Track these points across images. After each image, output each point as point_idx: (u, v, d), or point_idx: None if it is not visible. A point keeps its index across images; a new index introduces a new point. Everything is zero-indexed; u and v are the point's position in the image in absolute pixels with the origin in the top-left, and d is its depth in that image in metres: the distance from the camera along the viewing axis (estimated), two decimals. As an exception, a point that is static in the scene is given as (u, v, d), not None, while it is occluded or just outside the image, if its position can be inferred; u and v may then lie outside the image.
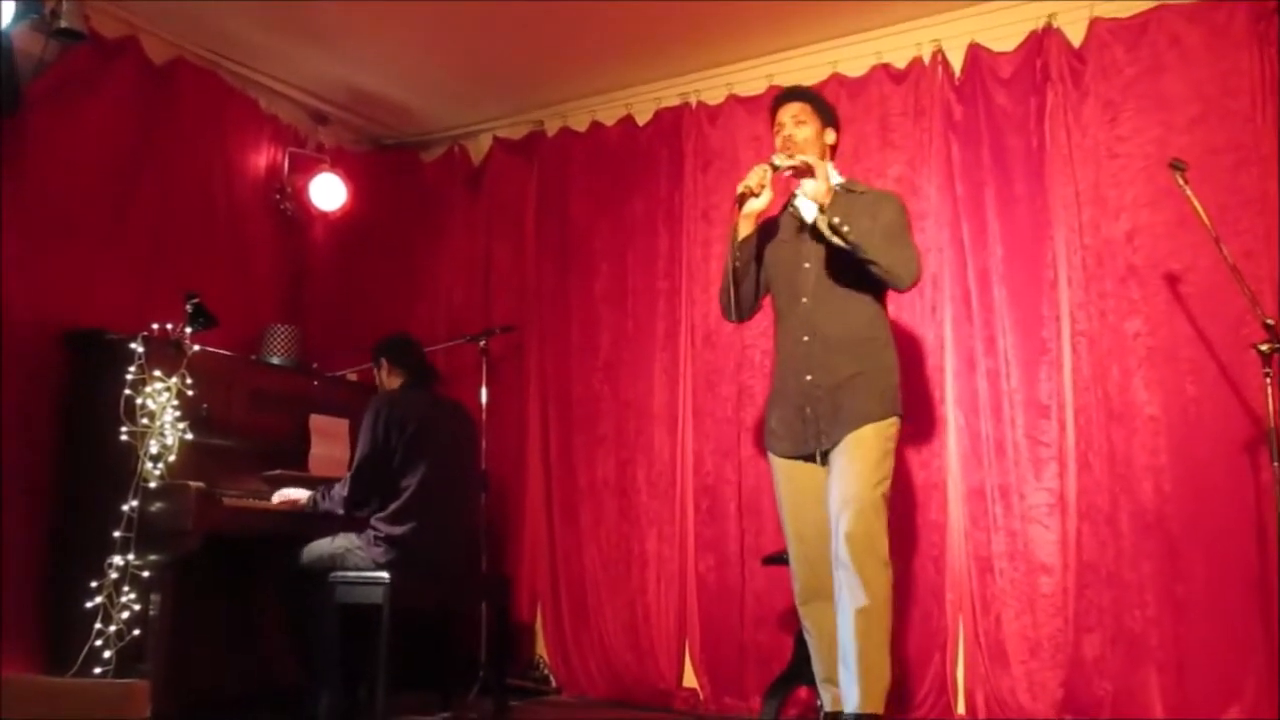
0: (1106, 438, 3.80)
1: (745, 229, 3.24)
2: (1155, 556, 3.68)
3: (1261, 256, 3.60)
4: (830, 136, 3.36)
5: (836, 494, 3.05)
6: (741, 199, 3.17)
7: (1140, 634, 3.67)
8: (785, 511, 3.24)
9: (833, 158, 3.37)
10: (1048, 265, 4.00)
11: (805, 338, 3.21)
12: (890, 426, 3.14)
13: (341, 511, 3.88)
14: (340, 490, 3.85)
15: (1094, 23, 4.00)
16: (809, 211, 3.24)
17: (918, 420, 4.00)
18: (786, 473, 3.24)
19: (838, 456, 3.10)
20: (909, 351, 3.98)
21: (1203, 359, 3.69)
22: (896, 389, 3.20)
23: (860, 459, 3.06)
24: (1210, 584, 3.59)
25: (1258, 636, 3.48)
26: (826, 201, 3.06)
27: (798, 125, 3.29)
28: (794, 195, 3.36)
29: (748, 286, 3.31)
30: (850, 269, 3.13)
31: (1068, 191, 3.96)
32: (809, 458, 3.18)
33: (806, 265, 3.23)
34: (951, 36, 4.28)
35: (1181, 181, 3.33)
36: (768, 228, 3.34)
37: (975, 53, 4.22)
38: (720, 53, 4.70)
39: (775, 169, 3.18)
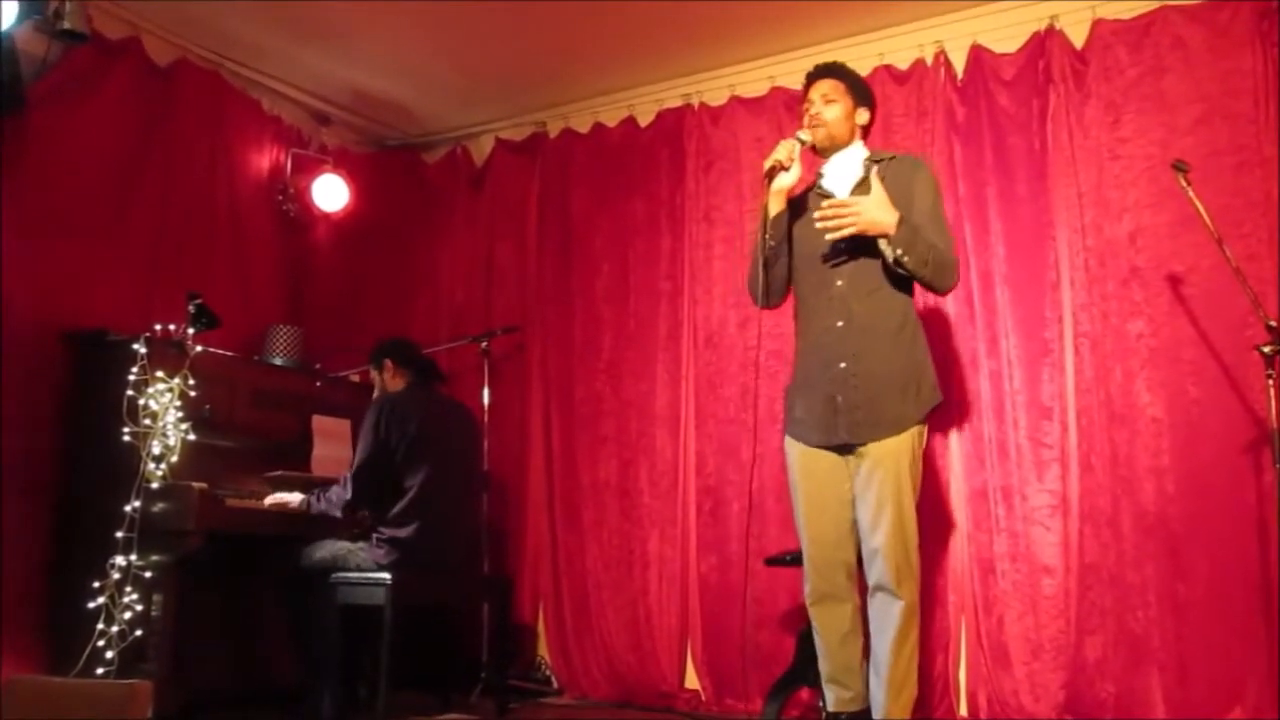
0: (1109, 439, 3.80)
1: (776, 206, 3.13)
2: (1157, 558, 3.68)
3: (1264, 258, 3.59)
4: (863, 116, 3.24)
5: (871, 511, 3.02)
6: (771, 173, 3.08)
7: (1142, 635, 3.66)
8: (802, 509, 3.12)
9: (865, 138, 3.28)
10: (1050, 266, 4.00)
11: (839, 323, 3.09)
12: (922, 428, 3.11)
13: (339, 514, 3.86)
14: (341, 492, 3.84)
15: (1096, 24, 4.00)
16: (842, 192, 3.16)
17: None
18: (808, 464, 3.11)
19: (870, 469, 3.03)
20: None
21: (1205, 361, 3.69)
22: (934, 380, 3.14)
23: (895, 476, 3.02)
24: (1212, 585, 3.58)
25: (1260, 638, 3.47)
26: (892, 233, 2.96)
27: (827, 104, 3.19)
28: (820, 175, 3.26)
29: (781, 268, 3.17)
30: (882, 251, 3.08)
31: (1070, 193, 3.96)
32: (837, 448, 3.08)
33: (841, 246, 3.10)
34: (954, 38, 4.28)
35: (1184, 183, 3.32)
36: (793, 207, 3.22)
37: (977, 54, 4.22)
38: (722, 54, 4.70)
39: (803, 144, 3.13)
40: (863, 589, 3.11)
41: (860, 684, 3.09)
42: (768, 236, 3.10)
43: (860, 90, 3.27)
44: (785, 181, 3.11)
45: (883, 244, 3.00)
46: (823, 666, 3.13)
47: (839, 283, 3.11)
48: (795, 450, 3.16)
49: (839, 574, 3.07)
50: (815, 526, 3.09)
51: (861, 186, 3.16)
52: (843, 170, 3.21)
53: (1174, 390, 3.74)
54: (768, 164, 3.08)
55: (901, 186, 3.09)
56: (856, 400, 3.04)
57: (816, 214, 3.02)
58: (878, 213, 2.96)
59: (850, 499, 3.09)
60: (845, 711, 3.09)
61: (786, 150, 3.09)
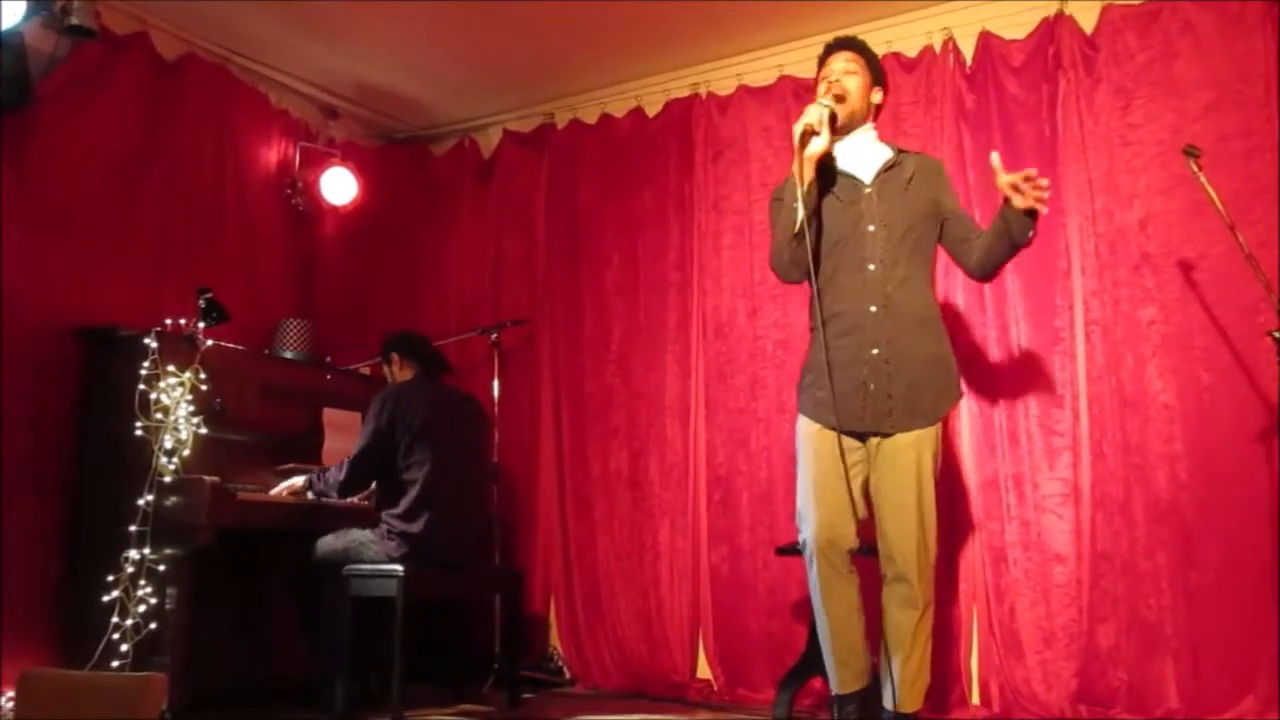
0: (1120, 426, 3.79)
1: (810, 173, 3.01)
2: (1169, 545, 3.67)
3: (1275, 244, 3.56)
4: (877, 95, 3.23)
5: (892, 502, 3.02)
6: (804, 138, 2.98)
7: (1155, 623, 3.65)
8: (811, 490, 3.04)
9: (876, 118, 3.27)
10: (1061, 253, 3.98)
11: (873, 307, 3.03)
12: (942, 425, 3.12)
13: (335, 496, 3.91)
14: (336, 475, 3.87)
15: (1106, 9, 3.98)
16: (867, 174, 3.14)
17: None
18: (823, 446, 3.04)
19: (894, 459, 3.03)
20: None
21: (1217, 347, 3.67)
22: (958, 377, 3.16)
23: (918, 468, 3.02)
24: (1225, 572, 3.57)
25: (1273, 625, 3.46)
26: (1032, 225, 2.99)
27: (847, 74, 3.17)
28: (833, 157, 3.14)
29: (811, 241, 3.03)
30: (913, 239, 3.07)
31: (1080, 179, 3.95)
32: (858, 434, 3.05)
33: (871, 229, 3.07)
34: (963, 25, 4.26)
35: (1195, 168, 3.31)
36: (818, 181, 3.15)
37: (987, 40, 4.20)
38: (730, 43, 4.69)
39: (829, 109, 3.04)
40: (874, 578, 3.11)
41: (864, 662, 3.08)
42: (805, 208, 2.98)
43: (876, 68, 3.27)
44: (818, 147, 3.00)
45: (1024, 226, 2.99)
46: (827, 648, 3.09)
47: (871, 266, 3.07)
48: (811, 430, 3.09)
49: (843, 557, 3.03)
50: (824, 508, 3.02)
51: (890, 171, 3.14)
52: (860, 151, 3.18)
53: (1185, 377, 3.72)
54: (799, 128, 2.98)
55: (930, 184, 3.14)
56: (889, 389, 3.02)
57: (1031, 194, 2.93)
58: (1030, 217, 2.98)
59: (861, 486, 3.07)
60: (852, 691, 3.08)
61: (816, 114, 3.00)
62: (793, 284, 3.24)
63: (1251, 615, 3.51)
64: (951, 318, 4.10)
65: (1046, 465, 3.92)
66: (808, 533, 3.05)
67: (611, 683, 4.63)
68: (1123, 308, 3.85)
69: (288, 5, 4.40)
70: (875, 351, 3.03)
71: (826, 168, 3.11)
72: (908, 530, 3.01)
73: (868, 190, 3.13)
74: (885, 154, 3.18)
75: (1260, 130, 3.67)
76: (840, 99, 3.12)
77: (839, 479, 3.01)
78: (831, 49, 3.26)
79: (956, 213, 3.20)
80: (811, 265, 3.00)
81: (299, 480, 4.01)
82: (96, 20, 4.00)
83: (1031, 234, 3.00)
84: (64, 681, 3.33)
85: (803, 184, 2.99)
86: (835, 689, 3.10)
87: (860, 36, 4.32)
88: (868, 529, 3.11)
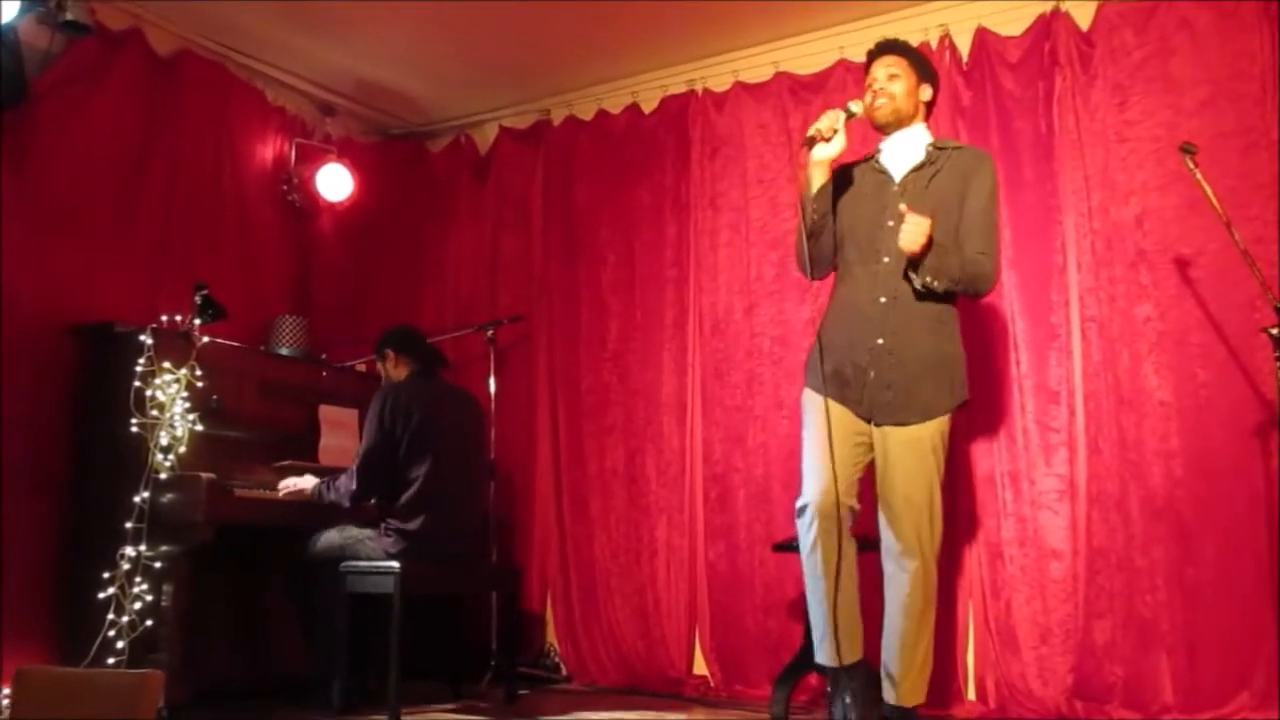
0: (1116, 423, 3.79)
1: (819, 178, 3.10)
2: (1166, 541, 3.67)
3: (1271, 241, 3.57)
4: (926, 93, 3.26)
5: (897, 493, 3.03)
6: (810, 143, 3.06)
7: (1151, 619, 3.66)
8: (818, 441, 3.04)
9: (929, 114, 3.31)
10: (1057, 250, 3.98)
11: (883, 299, 3.08)
12: (950, 418, 3.12)
13: (348, 504, 3.88)
14: (347, 483, 3.86)
15: (1102, 6, 3.98)
16: (899, 171, 3.19)
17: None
18: (833, 411, 3.03)
19: (894, 449, 3.04)
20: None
21: (1213, 343, 3.67)
22: (964, 376, 3.15)
23: (925, 459, 3.03)
24: (1221, 569, 3.58)
25: (1269, 621, 3.47)
26: (918, 250, 2.96)
27: (891, 79, 3.20)
28: (878, 151, 3.27)
29: (826, 240, 3.14)
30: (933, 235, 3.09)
31: (1077, 176, 3.95)
32: (862, 418, 3.10)
33: (890, 224, 3.10)
34: (959, 21, 4.26)
35: (1192, 165, 3.31)
36: (843, 177, 3.23)
37: (983, 37, 4.20)
38: (726, 40, 4.69)
39: (850, 115, 3.11)
40: (875, 572, 3.11)
41: (860, 631, 3.07)
42: (811, 212, 3.09)
43: (923, 66, 3.29)
44: (825, 153, 3.08)
45: (914, 278, 3.03)
46: (826, 617, 3.02)
47: (885, 259, 3.11)
48: (818, 400, 3.09)
49: (842, 516, 3.01)
50: (827, 469, 3.00)
51: (920, 170, 3.17)
52: (902, 149, 3.22)
53: (1182, 374, 3.73)
54: (809, 132, 3.07)
55: (958, 178, 3.14)
56: (889, 380, 3.05)
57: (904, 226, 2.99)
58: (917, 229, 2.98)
59: (864, 466, 3.10)
60: (854, 661, 3.07)
61: (830, 121, 3.07)
62: (815, 280, 3.28)
63: (1247, 611, 3.51)
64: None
65: (1043, 461, 3.92)
66: (810, 493, 3.03)
67: (608, 679, 4.64)
68: (1119, 304, 3.85)
69: (283, 1, 4.39)
70: (880, 341, 3.07)
71: (853, 168, 3.21)
72: (911, 521, 3.02)
73: (895, 188, 3.18)
74: (920, 155, 3.21)
75: (1256, 127, 3.68)
76: (880, 102, 3.19)
77: (844, 441, 3.02)
78: (873, 55, 3.30)
79: (967, 213, 3.14)
80: (809, 259, 3.08)
81: (307, 485, 3.97)
82: (91, 16, 4.01)
83: (926, 282, 3.03)
84: (61, 679, 3.32)
85: (810, 189, 3.09)
86: (833, 661, 3.05)
87: (860, 29, 4.39)
88: (868, 522, 3.14)
